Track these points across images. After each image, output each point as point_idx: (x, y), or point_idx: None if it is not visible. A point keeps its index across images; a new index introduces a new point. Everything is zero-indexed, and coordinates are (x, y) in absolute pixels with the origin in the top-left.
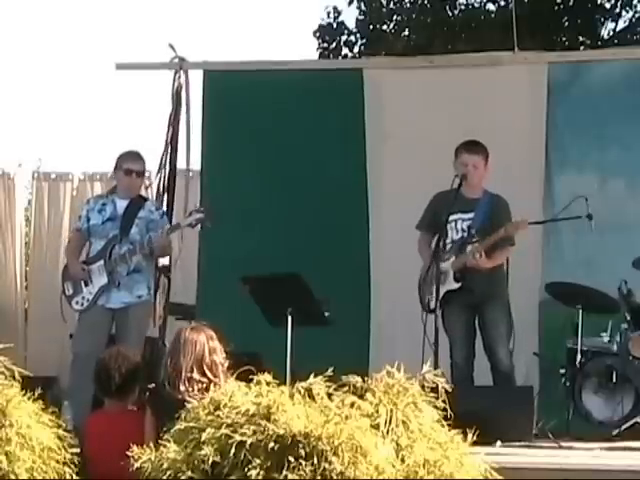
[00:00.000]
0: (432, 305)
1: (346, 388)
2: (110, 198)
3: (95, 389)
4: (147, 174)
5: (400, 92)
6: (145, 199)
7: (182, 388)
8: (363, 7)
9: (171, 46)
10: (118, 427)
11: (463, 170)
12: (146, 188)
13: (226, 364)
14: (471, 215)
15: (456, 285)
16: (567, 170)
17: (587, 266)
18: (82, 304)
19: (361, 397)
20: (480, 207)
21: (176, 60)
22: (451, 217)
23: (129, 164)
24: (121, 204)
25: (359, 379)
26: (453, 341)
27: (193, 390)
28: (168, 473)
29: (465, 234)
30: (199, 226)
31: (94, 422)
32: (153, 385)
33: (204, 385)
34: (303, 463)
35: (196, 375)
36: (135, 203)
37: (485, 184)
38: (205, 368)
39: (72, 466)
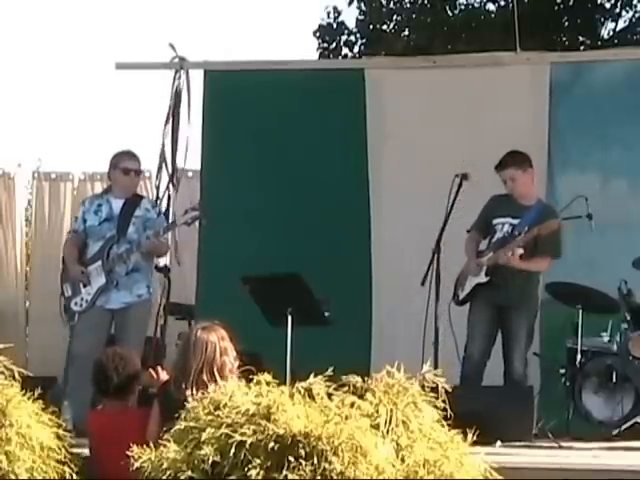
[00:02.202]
0: (461, 296)
1: (346, 388)
2: (105, 198)
3: (93, 390)
4: (147, 174)
5: (401, 92)
6: (141, 197)
7: (187, 392)
8: (363, 7)
9: (171, 46)
10: (119, 426)
11: (505, 186)
12: (157, 187)
13: (236, 364)
14: (518, 221)
15: (485, 278)
16: (569, 170)
17: (588, 266)
18: (81, 305)
19: (361, 397)
20: (529, 214)
21: (176, 60)
22: (501, 219)
23: (126, 163)
24: (117, 204)
25: (359, 379)
26: (472, 336)
27: (198, 392)
28: (168, 473)
29: (507, 235)
30: (196, 224)
31: (94, 420)
32: (162, 383)
33: (211, 387)
34: (303, 463)
35: (205, 376)
36: (131, 202)
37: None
38: (215, 370)
39: (72, 466)
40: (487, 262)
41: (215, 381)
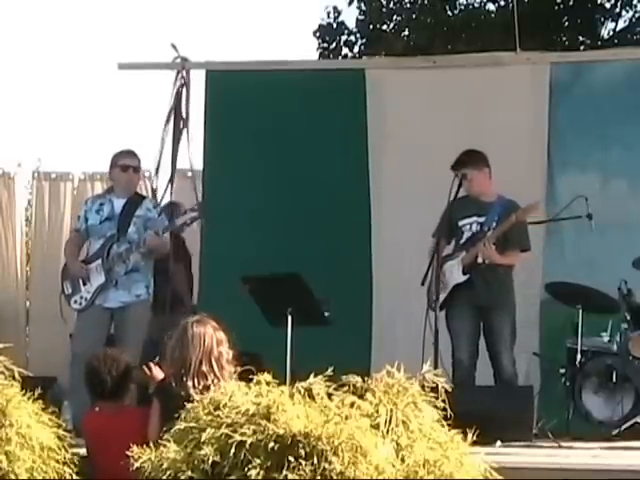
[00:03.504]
0: (440, 301)
1: (346, 388)
2: (107, 198)
3: (88, 393)
4: (147, 174)
5: (402, 92)
6: (143, 197)
7: (189, 383)
8: (363, 7)
9: (173, 46)
10: (117, 426)
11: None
12: (153, 191)
13: (230, 354)
14: (484, 218)
15: (464, 277)
16: (569, 170)
17: (588, 266)
18: (80, 303)
19: (361, 397)
20: (494, 209)
21: (178, 60)
22: (467, 220)
23: (125, 160)
24: (118, 203)
25: (359, 379)
26: (457, 339)
27: (200, 384)
28: (168, 473)
29: (477, 232)
30: (194, 224)
31: (90, 422)
32: (160, 381)
33: (211, 377)
34: (303, 463)
35: (204, 367)
36: (133, 202)
37: (496, 187)
38: (213, 360)
39: (72, 466)
40: (463, 262)
41: (214, 371)
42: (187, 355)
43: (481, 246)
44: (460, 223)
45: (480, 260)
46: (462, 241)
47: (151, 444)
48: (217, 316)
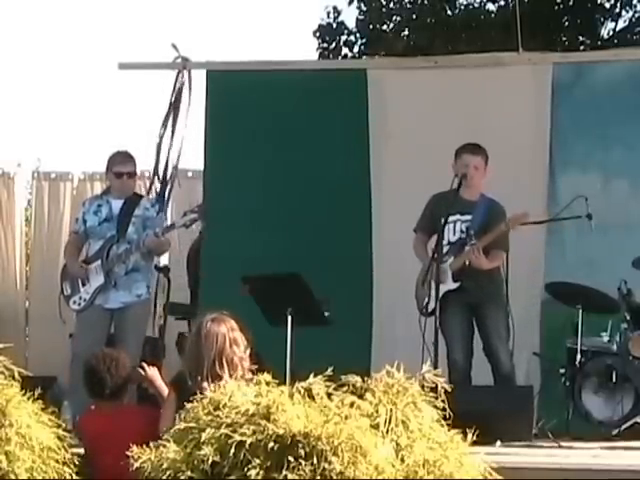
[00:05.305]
0: (431, 307)
1: (346, 388)
2: (105, 199)
3: (87, 393)
4: (147, 174)
5: (403, 92)
6: (140, 196)
7: (204, 384)
8: (363, 7)
9: (174, 46)
10: (115, 426)
11: (464, 170)
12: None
13: (247, 352)
14: (469, 217)
15: (455, 285)
16: (570, 170)
17: (588, 266)
18: (79, 304)
19: (361, 397)
20: (478, 209)
21: (179, 60)
22: (450, 218)
23: (119, 167)
24: (116, 204)
25: (359, 379)
26: (451, 340)
27: (214, 384)
28: (168, 473)
29: (464, 235)
30: (194, 226)
31: (88, 422)
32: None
33: (225, 378)
34: (303, 463)
35: (217, 369)
36: (131, 202)
37: (486, 186)
38: (225, 361)
39: (72, 466)
40: (451, 267)
41: (227, 372)
42: (200, 354)
43: (471, 255)
44: (443, 219)
45: (467, 263)
46: (445, 242)
47: (151, 444)
48: None
